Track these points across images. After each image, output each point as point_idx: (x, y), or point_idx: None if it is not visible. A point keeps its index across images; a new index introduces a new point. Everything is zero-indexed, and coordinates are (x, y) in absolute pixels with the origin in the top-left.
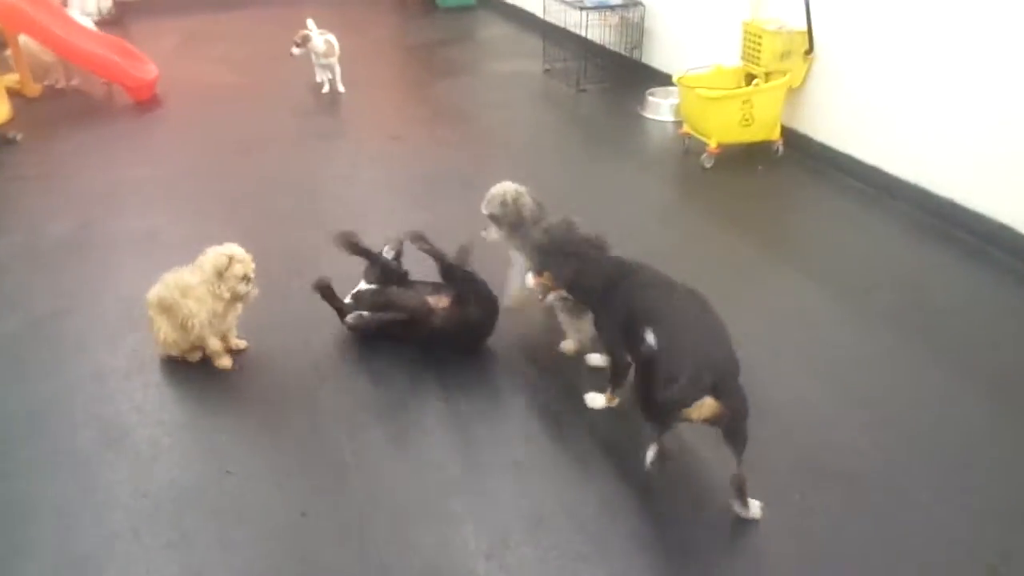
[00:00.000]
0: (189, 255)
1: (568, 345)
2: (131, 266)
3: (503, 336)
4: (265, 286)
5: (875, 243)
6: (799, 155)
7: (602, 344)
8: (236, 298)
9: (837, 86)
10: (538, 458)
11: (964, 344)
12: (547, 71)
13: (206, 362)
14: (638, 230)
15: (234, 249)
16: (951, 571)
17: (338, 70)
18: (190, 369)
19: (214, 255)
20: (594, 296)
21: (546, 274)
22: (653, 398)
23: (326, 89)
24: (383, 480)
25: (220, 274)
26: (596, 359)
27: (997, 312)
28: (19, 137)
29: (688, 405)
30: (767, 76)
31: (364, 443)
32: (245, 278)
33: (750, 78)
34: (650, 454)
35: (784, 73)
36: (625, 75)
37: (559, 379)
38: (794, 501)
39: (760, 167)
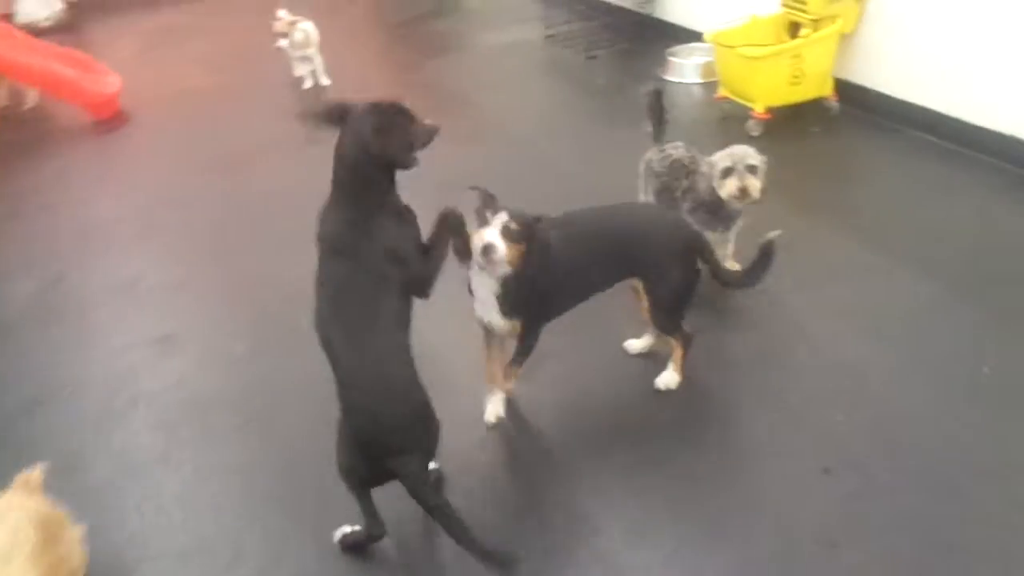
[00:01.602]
0: (176, 307)
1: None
2: (112, 330)
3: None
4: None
5: (961, 206)
6: (857, 110)
7: None
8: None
9: (896, 27)
10: None
11: None
12: (549, 37)
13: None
14: None
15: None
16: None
17: (319, 60)
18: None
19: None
20: None
21: None
22: None
23: (308, 84)
24: None
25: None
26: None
27: None
28: None
29: None
30: (815, 24)
31: None
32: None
33: (793, 27)
34: None
35: (834, 19)
36: (639, 34)
37: None
38: None
39: (816, 129)
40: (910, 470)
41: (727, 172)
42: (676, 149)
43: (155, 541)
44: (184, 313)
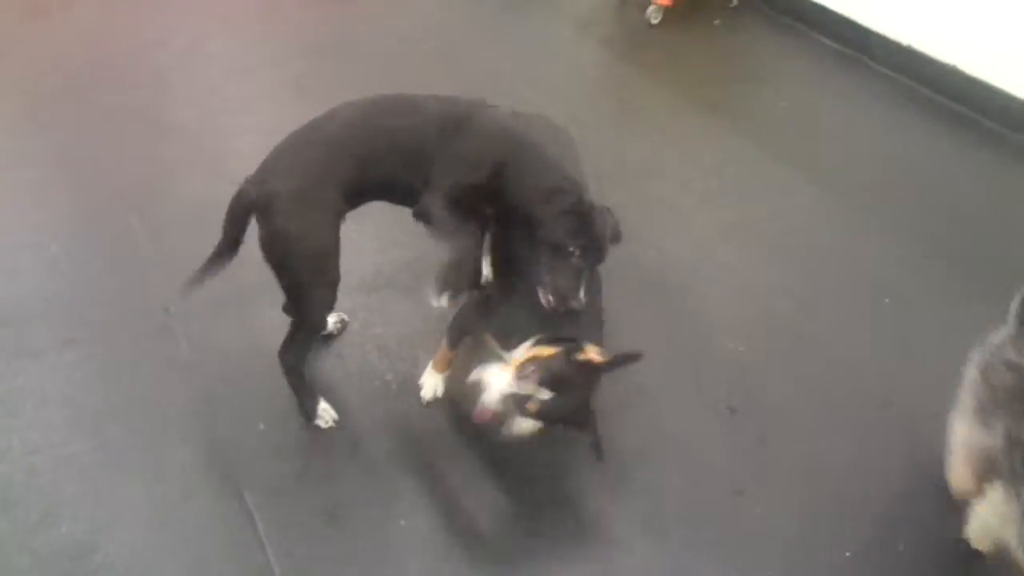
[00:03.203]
0: None
1: None
2: None
3: None
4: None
5: (856, 114)
6: (760, 3)
7: None
8: None
9: None
10: None
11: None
12: None
13: None
14: (568, 106)
15: None
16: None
17: None
18: None
19: None
20: None
21: None
22: None
23: None
24: None
25: None
26: None
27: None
28: None
29: None
30: None
31: None
32: None
33: None
34: None
35: None
36: None
37: None
38: None
39: (717, 21)
40: (814, 407)
41: None
42: None
43: None
44: None
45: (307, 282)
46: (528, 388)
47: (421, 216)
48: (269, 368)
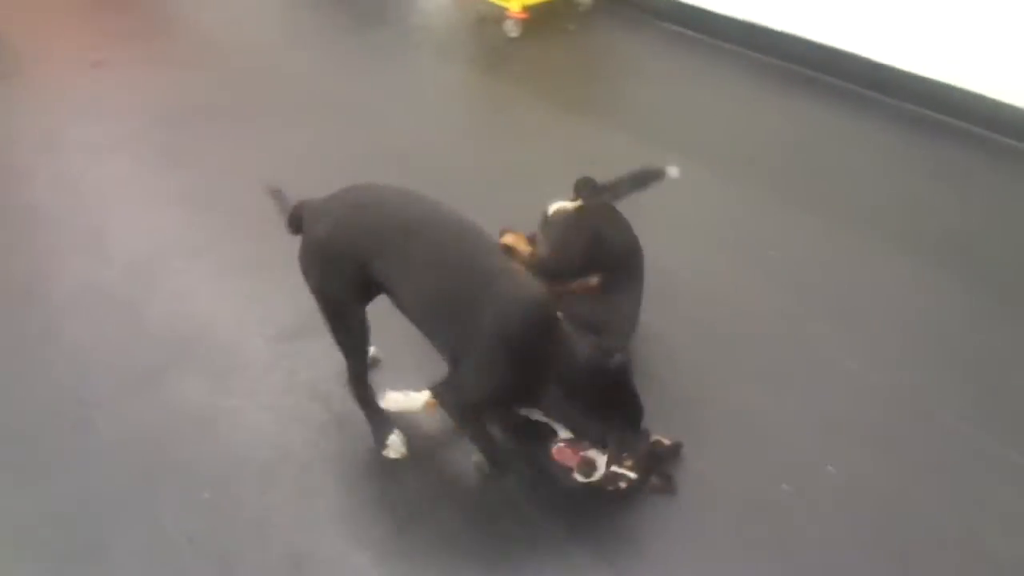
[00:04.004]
0: None
1: None
2: None
3: None
4: None
5: (709, 91)
6: (608, 4)
7: None
8: None
9: None
10: None
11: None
12: None
13: None
14: (448, 130)
15: None
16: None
17: None
18: None
19: None
20: None
21: None
22: None
23: None
24: None
25: None
26: None
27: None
28: None
29: None
30: None
31: None
32: None
33: None
34: None
35: None
36: None
37: None
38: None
39: (572, 26)
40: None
41: None
42: None
43: None
44: None
45: (330, 326)
46: (623, 471)
47: (438, 398)
48: (201, 436)
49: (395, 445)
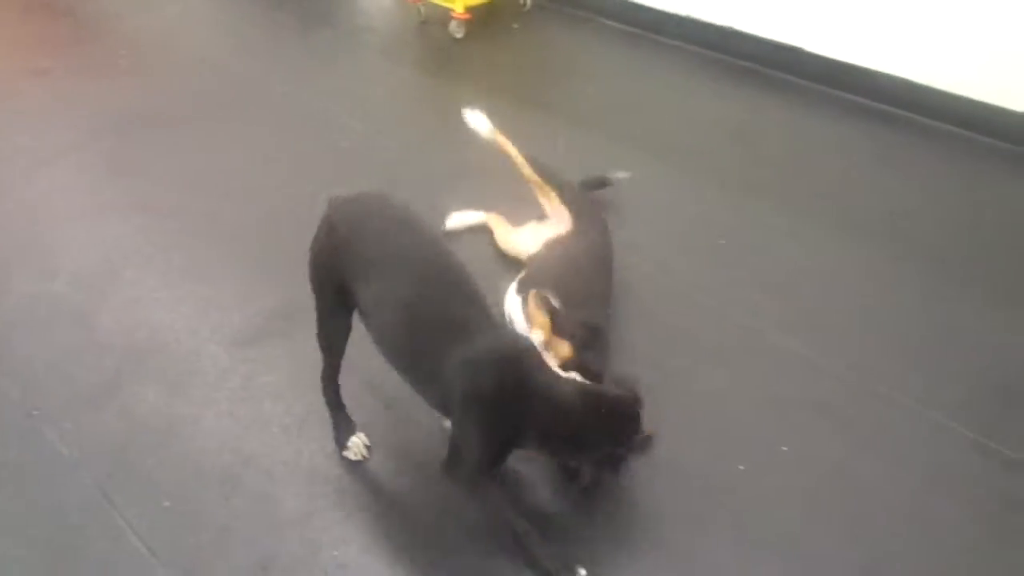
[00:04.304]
0: None
1: None
2: None
3: None
4: None
5: (652, 84)
6: (548, 2)
7: None
8: None
9: None
10: None
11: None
12: None
13: None
14: (396, 130)
15: None
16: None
17: None
18: None
19: None
20: None
21: None
22: None
23: None
24: None
25: None
26: None
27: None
28: None
29: None
30: None
31: None
32: None
33: None
34: None
35: None
36: None
37: None
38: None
39: (516, 25)
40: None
41: None
42: None
43: None
44: None
45: (316, 318)
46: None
47: (447, 477)
48: (159, 445)
49: (356, 447)
